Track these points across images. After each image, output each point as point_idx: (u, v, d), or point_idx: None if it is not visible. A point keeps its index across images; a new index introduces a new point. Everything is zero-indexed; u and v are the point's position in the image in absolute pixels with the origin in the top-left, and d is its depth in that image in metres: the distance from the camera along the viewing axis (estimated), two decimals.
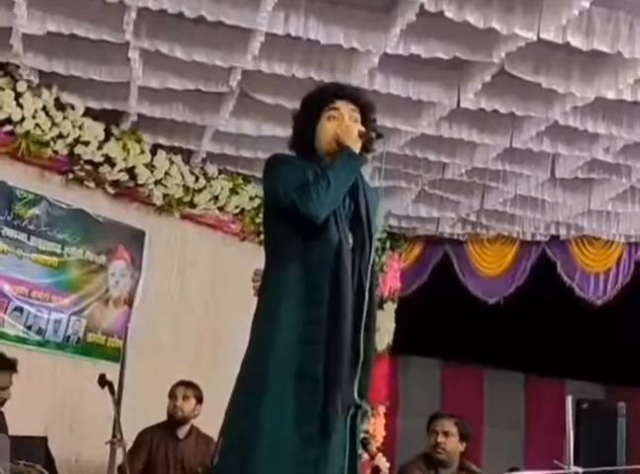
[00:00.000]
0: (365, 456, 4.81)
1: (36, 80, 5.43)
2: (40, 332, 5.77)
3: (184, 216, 6.71)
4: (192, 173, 6.54)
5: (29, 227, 5.73)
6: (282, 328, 2.71)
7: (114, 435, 4.65)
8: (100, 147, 5.85)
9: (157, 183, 6.31)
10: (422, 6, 4.26)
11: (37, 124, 5.45)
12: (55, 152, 5.69)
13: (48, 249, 5.84)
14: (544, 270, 7.77)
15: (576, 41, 4.39)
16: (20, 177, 5.71)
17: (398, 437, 8.87)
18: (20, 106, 5.35)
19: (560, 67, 4.83)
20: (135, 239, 6.45)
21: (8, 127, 5.40)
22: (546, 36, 4.34)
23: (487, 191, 6.90)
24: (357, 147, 2.88)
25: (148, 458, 5.43)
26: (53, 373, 5.83)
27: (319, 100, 2.99)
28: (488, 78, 4.94)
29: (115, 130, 5.99)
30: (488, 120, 5.66)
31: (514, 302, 7.85)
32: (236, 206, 6.89)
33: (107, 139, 5.89)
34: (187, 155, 6.53)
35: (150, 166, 6.20)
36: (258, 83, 5.35)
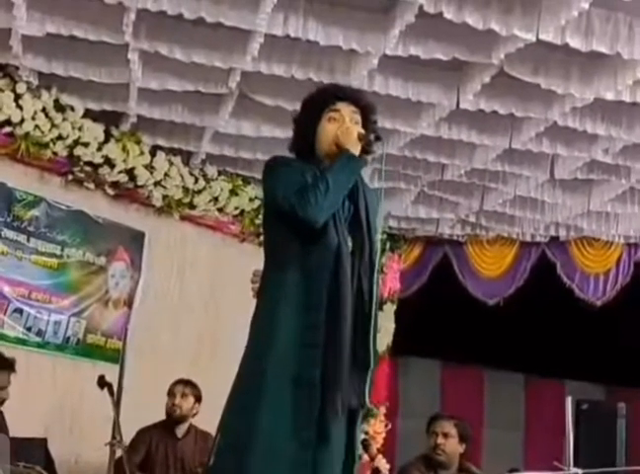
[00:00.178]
0: (366, 457, 4.82)
1: (35, 81, 5.43)
2: (39, 333, 5.77)
3: (183, 217, 6.70)
4: (191, 174, 6.54)
5: (28, 229, 5.72)
6: (281, 331, 2.70)
7: (113, 437, 4.66)
8: (99, 148, 5.84)
9: (157, 184, 6.30)
10: (421, 7, 4.27)
11: (36, 126, 5.44)
12: (55, 153, 5.68)
13: (48, 250, 5.84)
14: (544, 271, 7.76)
15: (575, 42, 4.39)
16: (19, 178, 5.70)
17: (398, 439, 8.86)
18: (19, 107, 5.34)
19: (559, 68, 4.83)
20: (135, 240, 6.45)
21: (7, 129, 5.39)
22: (545, 37, 4.34)
23: (486, 192, 6.90)
24: (356, 150, 2.86)
25: (147, 457, 5.42)
26: (53, 375, 5.83)
27: (320, 101, 2.97)
28: (487, 79, 4.94)
29: (114, 132, 5.98)
30: (487, 121, 5.66)
31: (513, 303, 7.85)
32: (236, 208, 6.89)
33: (106, 141, 5.88)
34: (186, 156, 6.53)
35: (150, 167, 6.20)
36: (257, 84, 5.35)
